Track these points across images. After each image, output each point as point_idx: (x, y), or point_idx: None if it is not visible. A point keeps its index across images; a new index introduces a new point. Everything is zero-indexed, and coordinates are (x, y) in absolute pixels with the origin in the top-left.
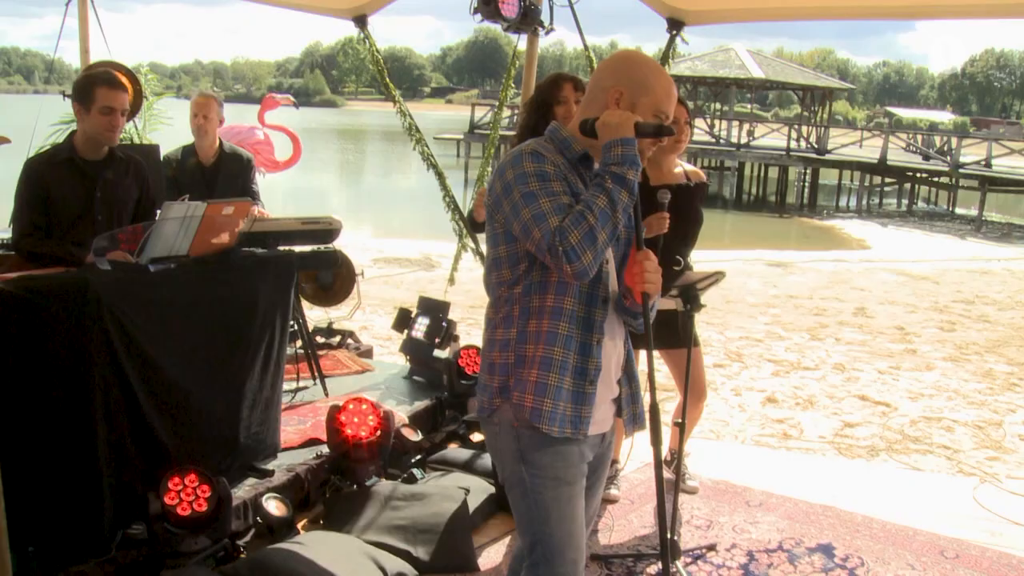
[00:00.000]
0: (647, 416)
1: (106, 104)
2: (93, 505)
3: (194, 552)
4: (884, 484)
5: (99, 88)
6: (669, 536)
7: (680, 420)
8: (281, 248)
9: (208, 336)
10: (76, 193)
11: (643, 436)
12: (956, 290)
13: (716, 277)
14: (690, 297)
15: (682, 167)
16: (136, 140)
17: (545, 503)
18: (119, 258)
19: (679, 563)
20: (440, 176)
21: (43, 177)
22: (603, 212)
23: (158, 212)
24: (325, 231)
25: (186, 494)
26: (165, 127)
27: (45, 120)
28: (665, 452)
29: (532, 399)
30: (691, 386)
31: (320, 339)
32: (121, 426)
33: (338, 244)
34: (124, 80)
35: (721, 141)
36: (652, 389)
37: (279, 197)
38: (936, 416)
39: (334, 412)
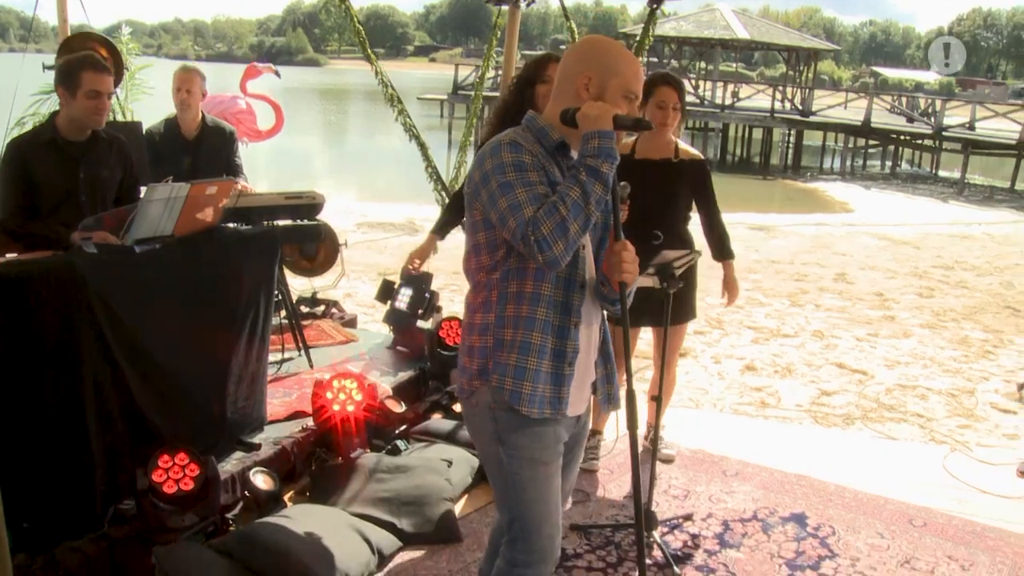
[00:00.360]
0: (621, 396)
1: (92, 88)
2: (85, 482)
3: (184, 528)
4: (858, 453)
5: (85, 72)
6: (646, 508)
7: (656, 394)
8: (265, 223)
9: (194, 314)
10: (60, 175)
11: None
12: (936, 255)
13: (692, 256)
14: (667, 275)
15: (677, 144)
16: (118, 109)
17: (522, 483)
18: (104, 239)
19: (656, 533)
20: (422, 147)
21: (26, 159)
22: (576, 204)
23: (142, 190)
24: (308, 206)
25: (174, 472)
26: (147, 96)
27: (25, 89)
28: (643, 428)
29: (512, 382)
30: (659, 360)
31: (304, 308)
32: (110, 405)
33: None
34: (106, 55)
35: (706, 103)
36: (628, 375)
37: (261, 160)
38: (911, 384)
39: (319, 389)
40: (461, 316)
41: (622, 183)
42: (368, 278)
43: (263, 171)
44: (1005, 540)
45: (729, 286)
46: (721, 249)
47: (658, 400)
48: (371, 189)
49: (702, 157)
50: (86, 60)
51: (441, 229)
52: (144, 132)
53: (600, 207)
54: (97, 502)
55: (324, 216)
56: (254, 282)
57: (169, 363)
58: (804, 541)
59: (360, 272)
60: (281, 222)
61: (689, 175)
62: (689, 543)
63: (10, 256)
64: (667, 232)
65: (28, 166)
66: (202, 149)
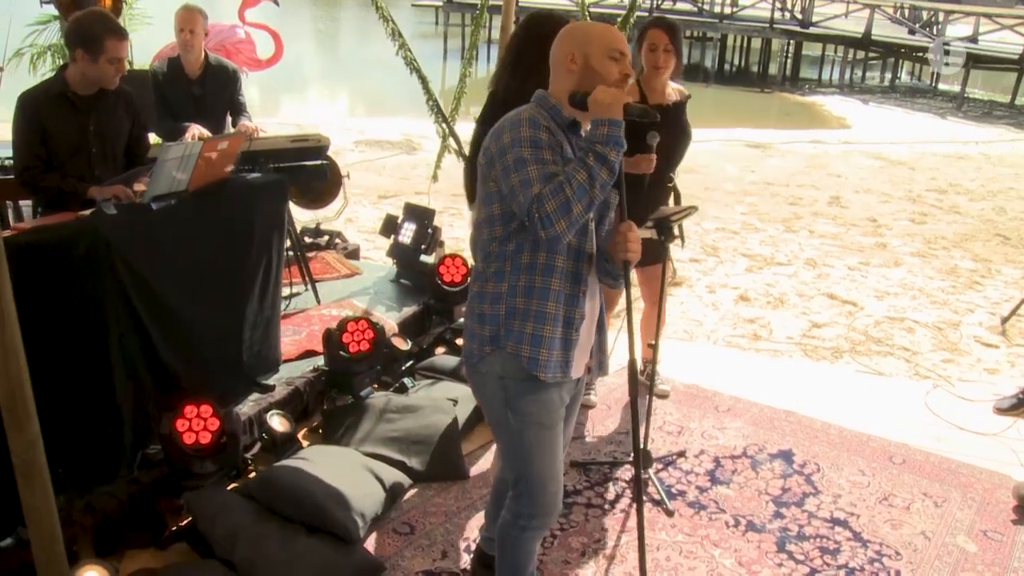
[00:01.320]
0: (609, 363)
1: (116, 55)
2: (113, 430)
3: (208, 473)
4: (844, 389)
5: (109, 40)
6: (642, 447)
7: (652, 342)
8: (273, 167)
9: (209, 265)
10: (70, 127)
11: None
12: (931, 177)
13: (689, 211)
14: (664, 229)
15: (670, 85)
16: None
17: (529, 445)
18: (122, 192)
19: (651, 470)
20: (423, 80)
21: (39, 112)
22: (581, 187)
23: (149, 136)
24: (314, 148)
25: (195, 424)
26: (145, 27)
27: (20, 20)
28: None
29: (529, 349)
30: (653, 297)
31: (308, 239)
32: (134, 357)
33: (320, 126)
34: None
35: (704, 12)
36: (631, 344)
37: (254, 77)
38: (899, 316)
39: (333, 335)
40: (461, 253)
41: (651, 132)
42: (368, 201)
43: (255, 82)
44: (976, 477)
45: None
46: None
47: (654, 346)
48: (367, 102)
49: (686, 92)
50: (109, 27)
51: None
52: (149, 72)
53: (605, 191)
54: (125, 448)
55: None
56: (265, 231)
57: (187, 313)
58: (790, 478)
59: (360, 196)
60: (289, 164)
61: (682, 112)
62: (682, 480)
63: (34, 221)
64: (668, 174)
65: (40, 118)
66: (206, 88)
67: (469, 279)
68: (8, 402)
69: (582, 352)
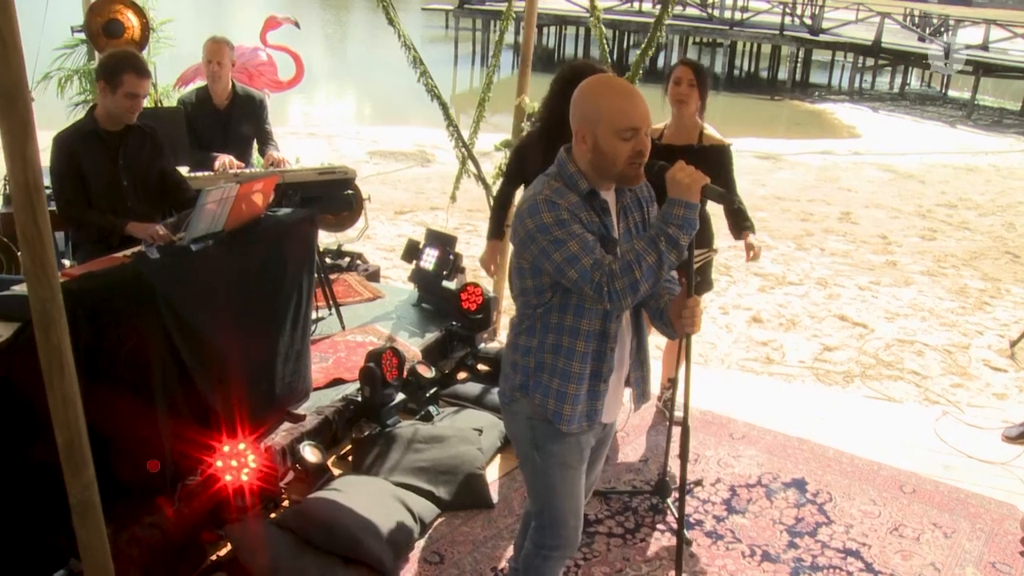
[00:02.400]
0: (652, 394)
1: (132, 91)
2: (157, 463)
3: (245, 508)
4: (855, 415)
5: (127, 74)
6: (660, 476)
7: (673, 376)
8: (300, 198)
9: (244, 303)
10: (102, 162)
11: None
12: (941, 191)
13: (708, 255)
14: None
15: (703, 130)
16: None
17: (553, 483)
18: (155, 233)
19: (669, 500)
20: (444, 107)
21: (74, 151)
22: (650, 268)
23: (183, 170)
24: (341, 180)
25: (239, 464)
26: (170, 49)
27: (48, 44)
28: (657, 389)
29: (554, 403)
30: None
31: (329, 260)
32: (176, 394)
33: (333, 134)
34: (133, 17)
35: (714, 18)
36: (686, 403)
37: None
38: (909, 339)
39: (376, 372)
40: (478, 273)
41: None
42: (385, 217)
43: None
44: (985, 507)
45: (747, 249)
46: (737, 227)
47: (674, 381)
48: (378, 108)
49: (726, 142)
50: (129, 63)
51: (497, 232)
52: (178, 105)
53: (672, 270)
54: (167, 480)
55: (336, 146)
56: (296, 265)
57: (224, 350)
58: (803, 507)
59: (377, 211)
60: (317, 194)
61: (711, 161)
62: (700, 509)
63: (82, 267)
64: None
65: (76, 158)
66: (233, 118)
67: (509, 322)
68: (67, 448)
69: (613, 398)
